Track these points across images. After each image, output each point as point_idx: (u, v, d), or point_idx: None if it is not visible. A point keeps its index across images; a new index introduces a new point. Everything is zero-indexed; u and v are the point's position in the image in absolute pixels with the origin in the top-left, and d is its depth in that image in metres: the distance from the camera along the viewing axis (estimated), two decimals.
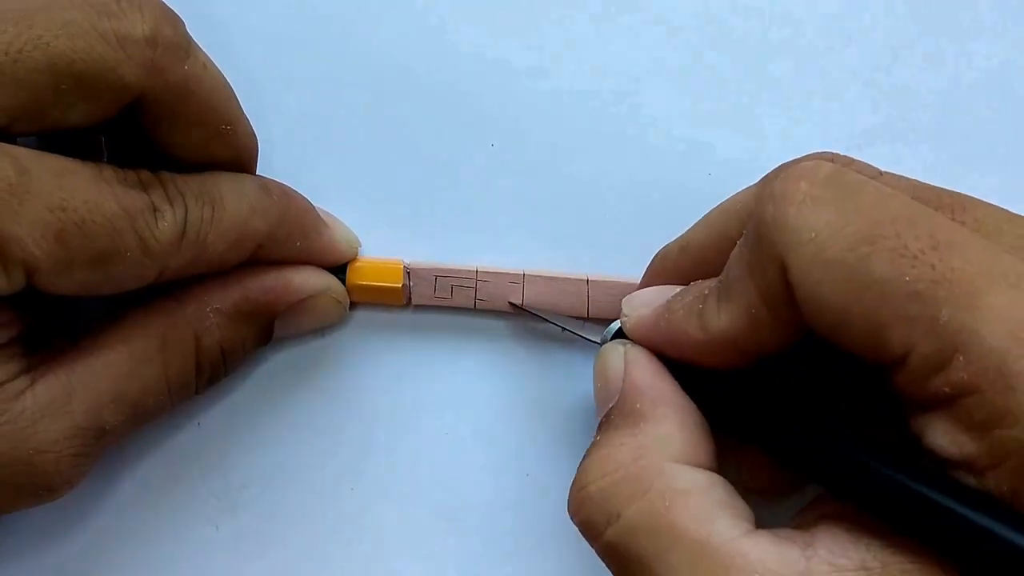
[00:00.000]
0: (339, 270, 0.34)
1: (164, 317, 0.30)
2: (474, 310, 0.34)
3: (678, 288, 0.29)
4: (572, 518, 0.27)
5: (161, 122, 0.29)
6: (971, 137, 0.34)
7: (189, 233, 0.29)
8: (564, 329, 0.33)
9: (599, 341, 0.31)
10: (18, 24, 0.26)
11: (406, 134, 0.35)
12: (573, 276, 0.33)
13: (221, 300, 0.31)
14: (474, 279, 0.33)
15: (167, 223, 0.28)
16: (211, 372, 0.32)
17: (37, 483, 0.28)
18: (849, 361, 0.25)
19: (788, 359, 0.27)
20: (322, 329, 0.35)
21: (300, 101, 0.35)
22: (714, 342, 0.26)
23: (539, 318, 0.33)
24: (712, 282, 0.27)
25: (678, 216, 0.34)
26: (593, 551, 0.33)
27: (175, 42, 0.28)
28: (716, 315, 0.26)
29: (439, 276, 0.33)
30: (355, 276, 0.34)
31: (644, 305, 0.29)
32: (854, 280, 0.23)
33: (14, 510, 0.30)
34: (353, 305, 0.35)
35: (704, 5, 0.35)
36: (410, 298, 0.34)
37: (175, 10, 0.29)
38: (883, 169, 0.28)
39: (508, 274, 0.33)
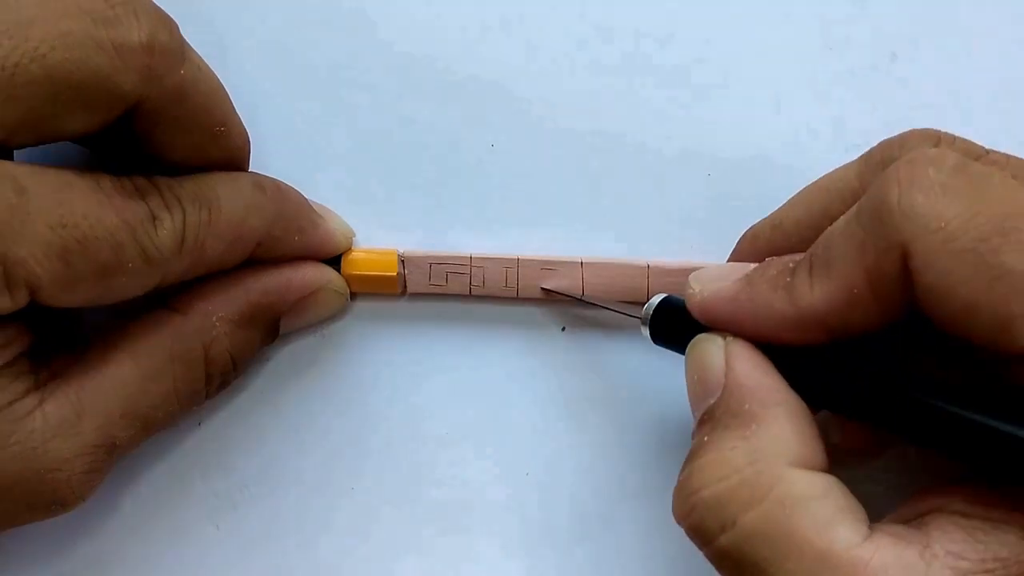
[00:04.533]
0: (334, 261, 0.34)
1: (171, 331, 0.30)
2: (469, 296, 0.34)
3: (750, 265, 0.28)
4: (679, 521, 0.26)
5: (157, 127, 0.29)
6: (971, 137, 0.33)
7: (188, 238, 0.29)
8: (606, 308, 0.32)
9: (640, 317, 0.30)
10: (14, 37, 0.25)
11: (404, 129, 0.35)
12: (567, 259, 0.33)
13: (226, 308, 0.31)
14: (468, 265, 0.33)
15: (166, 231, 0.28)
16: (221, 379, 0.32)
17: (49, 500, 0.28)
18: (944, 345, 0.25)
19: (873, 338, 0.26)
20: (326, 321, 0.35)
21: (295, 96, 0.35)
22: (802, 317, 0.26)
23: (572, 300, 0.33)
24: (795, 257, 0.27)
25: (675, 211, 0.34)
26: (595, 553, 0.34)
27: (171, 48, 0.28)
28: (808, 290, 0.26)
29: (434, 263, 0.33)
30: (350, 267, 0.34)
31: (718, 279, 0.28)
32: (984, 271, 0.23)
33: (26, 523, 0.30)
34: (351, 295, 0.35)
35: (704, 4, 0.35)
36: (405, 286, 0.34)
37: (168, 10, 0.29)
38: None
39: (502, 259, 0.33)
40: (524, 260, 0.33)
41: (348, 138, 0.35)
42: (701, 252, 0.34)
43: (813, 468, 0.25)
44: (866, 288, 0.25)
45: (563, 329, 0.34)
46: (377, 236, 0.35)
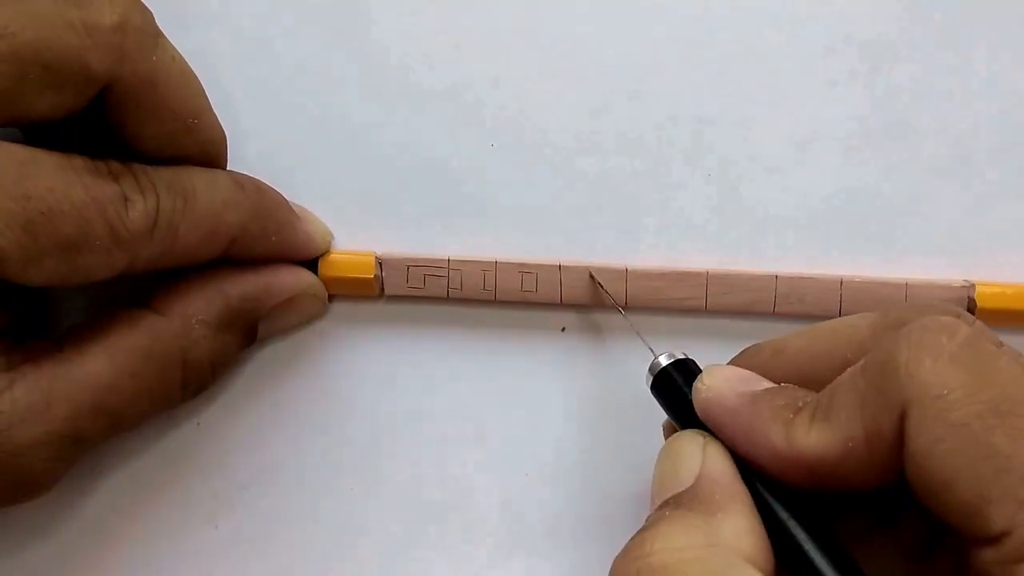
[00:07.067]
0: (311, 263, 0.33)
1: (149, 331, 0.30)
2: (447, 299, 0.33)
3: (766, 383, 0.28)
4: None
5: (128, 113, 0.28)
6: (971, 137, 0.33)
7: (160, 223, 0.28)
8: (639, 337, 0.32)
9: (649, 371, 0.30)
10: None
11: (384, 130, 0.34)
12: (545, 262, 0.32)
13: (205, 311, 0.31)
14: (446, 268, 0.32)
15: (138, 212, 0.28)
16: (198, 384, 0.32)
17: (11, 484, 0.28)
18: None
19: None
20: (304, 324, 0.34)
21: (278, 96, 0.35)
22: (793, 458, 0.25)
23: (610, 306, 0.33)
24: (806, 395, 0.26)
25: (673, 213, 0.34)
26: (595, 554, 0.33)
27: (144, 30, 0.28)
28: (806, 432, 0.25)
29: (411, 266, 0.33)
30: (327, 269, 0.33)
31: (727, 384, 0.27)
32: (973, 448, 0.23)
33: None
34: (330, 298, 0.34)
35: (704, 4, 0.34)
36: (383, 289, 0.33)
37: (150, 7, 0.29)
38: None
39: (480, 262, 0.32)
40: (502, 263, 0.32)
41: (328, 139, 0.35)
42: (701, 256, 0.34)
43: (764, 572, 0.24)
44: (863, 444, 0.24)
45: (563, 329, 0.34)
46: (357, 239, 0.34)
